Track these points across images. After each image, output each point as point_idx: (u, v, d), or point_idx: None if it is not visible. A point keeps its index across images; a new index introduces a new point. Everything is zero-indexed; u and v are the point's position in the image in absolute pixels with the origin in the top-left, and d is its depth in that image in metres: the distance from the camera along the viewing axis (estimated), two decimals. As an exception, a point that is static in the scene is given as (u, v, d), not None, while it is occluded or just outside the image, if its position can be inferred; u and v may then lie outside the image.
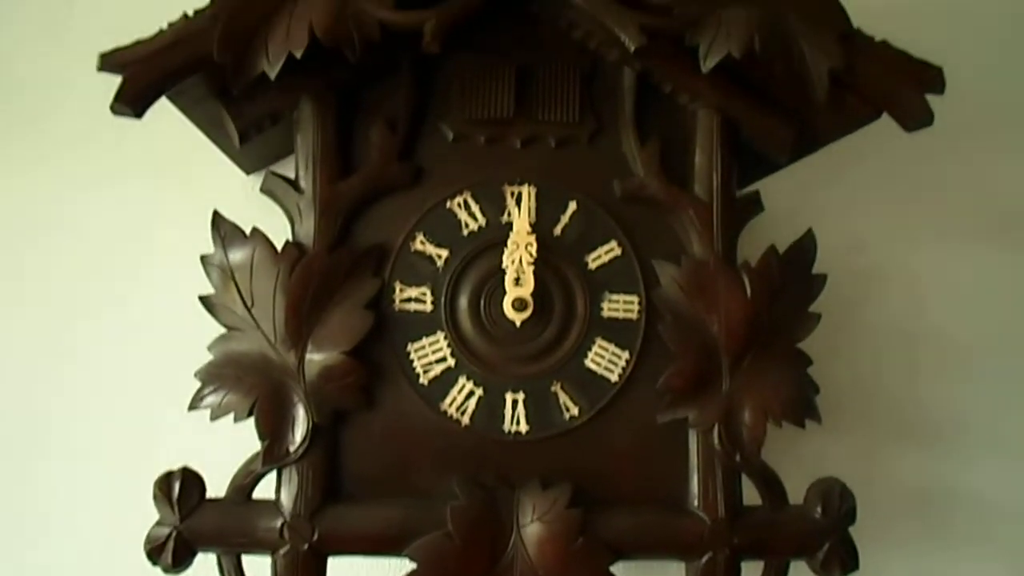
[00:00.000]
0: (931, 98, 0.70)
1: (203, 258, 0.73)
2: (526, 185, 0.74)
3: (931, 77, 0.70)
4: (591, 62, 0.76)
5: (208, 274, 0.73)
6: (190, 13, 0.67)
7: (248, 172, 0.92)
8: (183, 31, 0.66)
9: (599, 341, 0.74)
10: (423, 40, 0.66)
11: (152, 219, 0.94)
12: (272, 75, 0.66)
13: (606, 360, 0.74)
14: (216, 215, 0.73)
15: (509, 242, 0.72)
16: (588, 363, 0.74)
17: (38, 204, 0.94)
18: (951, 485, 0.97)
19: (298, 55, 0.65)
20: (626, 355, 0.74)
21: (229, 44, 0.65)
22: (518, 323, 0.72)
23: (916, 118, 0.70)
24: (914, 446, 0.97)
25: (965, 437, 0.98)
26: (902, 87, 0.70)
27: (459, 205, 0.74)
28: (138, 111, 0.66)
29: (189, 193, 0.93)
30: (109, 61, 0.66)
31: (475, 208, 0.74)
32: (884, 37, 0.71)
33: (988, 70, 1.02)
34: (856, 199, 1.00)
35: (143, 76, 0.65)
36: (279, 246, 0.72)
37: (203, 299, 0.73)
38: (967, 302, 1.00)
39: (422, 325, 0.73)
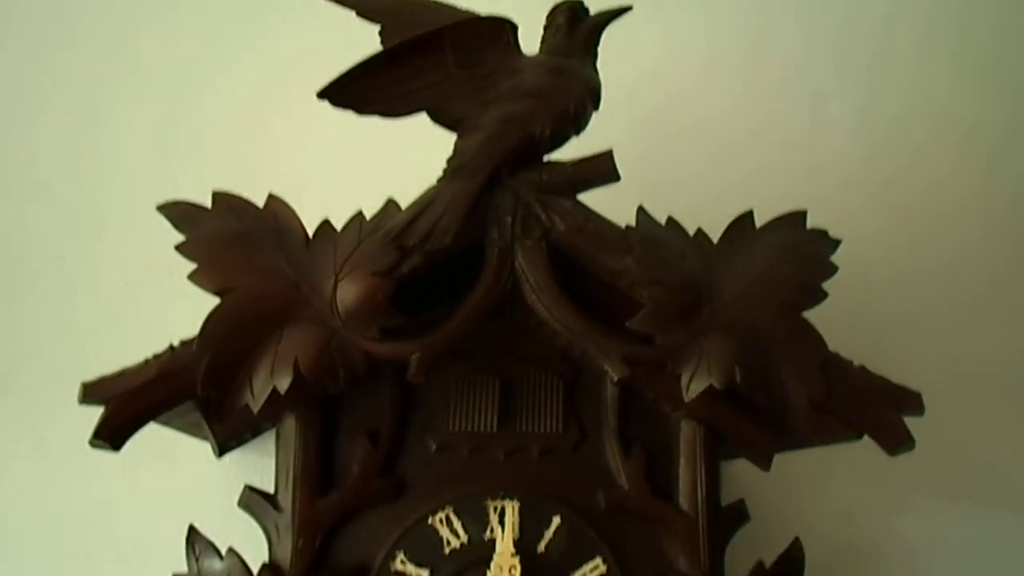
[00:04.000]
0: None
1: None
2: (509, 499, 0.73)
3: (910, 402, 0.71)
4: (574, 370, 0.76)
5: None
6: (176, 344, 0.67)
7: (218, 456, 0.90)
8: (168, 364, 0.66)
9: None
10: (408, 372, 0.67)
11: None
12: (255, 409, 0.66)
13: None
14: (191, 531, 0.72)
15: (492, 564, 0.70)
16: None
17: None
18: None
19: (282, 391, 0.65)
20: None
21: (214, 380, 0.65)
22: None
23: (897, 442, 0.70)
24: None
25: None
26: (882, 412, 0.70)
27: (441, 521, 0.72)
28: (116, 445, 0.65)
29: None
30: (92, 392, 0.66)
31: (457, 525, 0.72)
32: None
33: (968, 328, 1.04)
34: (835, 465, 0.97)
35: (126, 411, 0.65)
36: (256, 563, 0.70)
37: None
38: (966, 566, 0.97)
39: None
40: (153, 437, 0.73)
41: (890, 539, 0.96)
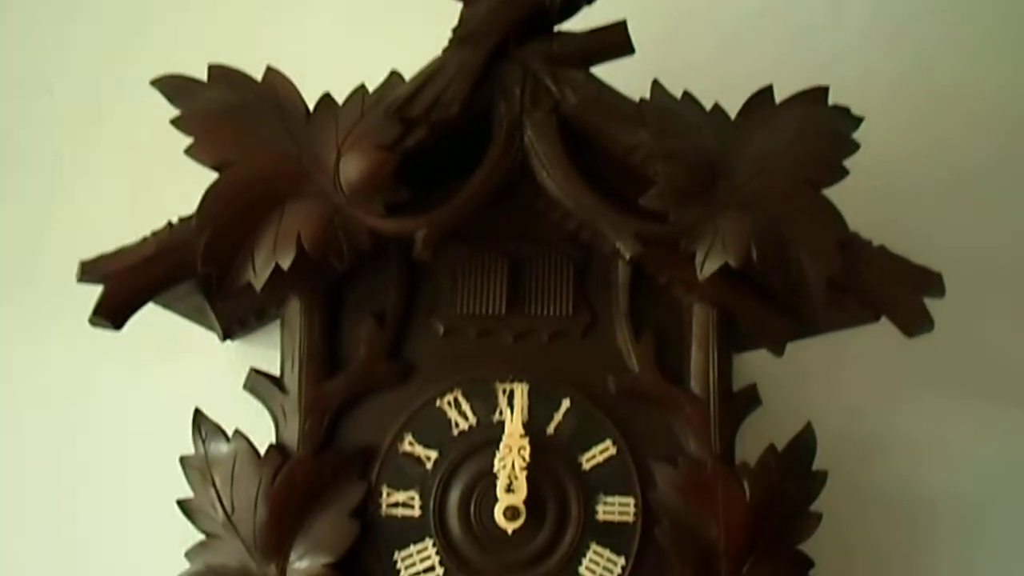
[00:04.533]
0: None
1: (183, 460, 0.71)
2: (518, 382, 0.72)
3: (930, 283, 0.69)
4: (584, 253, 0.75)
5: (187, 476, 0.71)
6: (174, 220, 0.65)
7: (222, 339, 0.89)
8: (167, 241, 0.64)
9: (594, 546, 0.71)
10: (414, 249, 0.65)
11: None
12: (258, 287, 0.64)
13: (601, 567, 0.71)
14: (198, 413, 0.71)
15: (501, 445, 0.70)
16: (583, 570, 0.70)
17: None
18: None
19: (285, 267, 0.63)
20: (621, 561, 0.71)
21: (214, 256, 0.63)
22: (510, 532, 0.69)
23: (916, 324, 0.69)
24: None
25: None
26: (901, 293, 0.68)
27: (449, 404, 0.72)
28: (118, 324, 0.64)
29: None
30: (90, 270, 0.64)
31: (466, 407, 0.72)
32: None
33: (981, 226, 1.01)
34: (846, 361, 0.96)
35: (125, 288, 0.64)
36: (263, 445, 0.69)
37: (181, 503, 0.70)
38: (970, 463, 0.96)
39: (410, 531, 0.70)
40: (159, 324, 0.73)
41: (896, 435, 0.96)
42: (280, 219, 0.64)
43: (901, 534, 0.94)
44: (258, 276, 0.64)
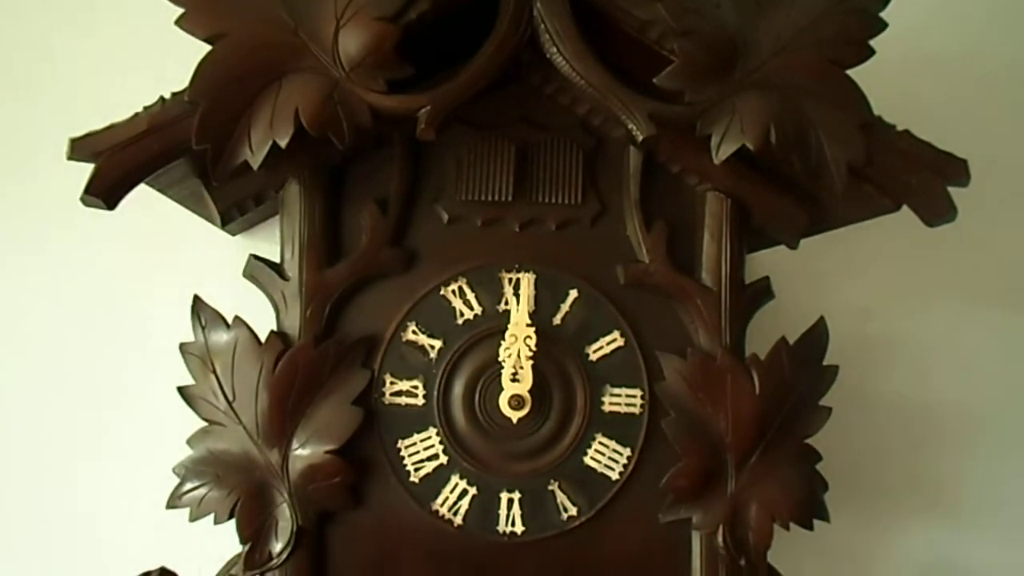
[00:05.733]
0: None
1: (182, 346, 0.70)
2: (525, 272, 0.70)
3: (955, 170, 0.66)
4: (594, 140, 0.72)
5: (187, 364, 0.69)
6: (167, 96, 0.62)
7: (234, 234, 0.87)
8: (159, 117, 0.62)
9: (599, 437, 0.70)
10: (417, 127, 0.62)
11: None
12: (255, 165, 0.61)
13: (606, 457, 0.70)
14: (197, 300, 0.70)
15: (507, 335, 0.69)
16: (588, 460, 0.70)
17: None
18: (960, 559, 0.94)
19: (283, 144, 0.61)
20: (627, 452, 0.70)
21: (208, 132, 0.61)
22: (515, 421, 0.68)
23: (939, 214, 0.66)
24: (922, 520, 0.94)
25: (975, 510, 0.94)
26: (924, 180, 0.66)
27: (454, 292, 0.70)
28: (111, 203, 0.62)
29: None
30: (80, 148, 0.61)
31: (471, 296, 0.70)
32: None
33: (997, 129, 0.98)
34: (859, 263, 0.96)
35: (117, 166, 0.61)
36: (264, 333, 0.68)
37: (182, 390, 0.69)
38: (976, 369, 0.96)
39: (413, 420, 0.70)
40: (157, 206, 0.71)
41: (906, 338, 0.95)
42: (277, 94, 0.61)
43: (905, 435, 0.94)
44: (255, 154, 0.61)
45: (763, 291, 0.73)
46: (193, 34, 0.61)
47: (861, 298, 0.95)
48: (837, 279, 0.95)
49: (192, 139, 0.60)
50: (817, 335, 0.73)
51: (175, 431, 0.69)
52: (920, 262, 0.96)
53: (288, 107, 0.61)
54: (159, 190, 0.69)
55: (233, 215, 0.71)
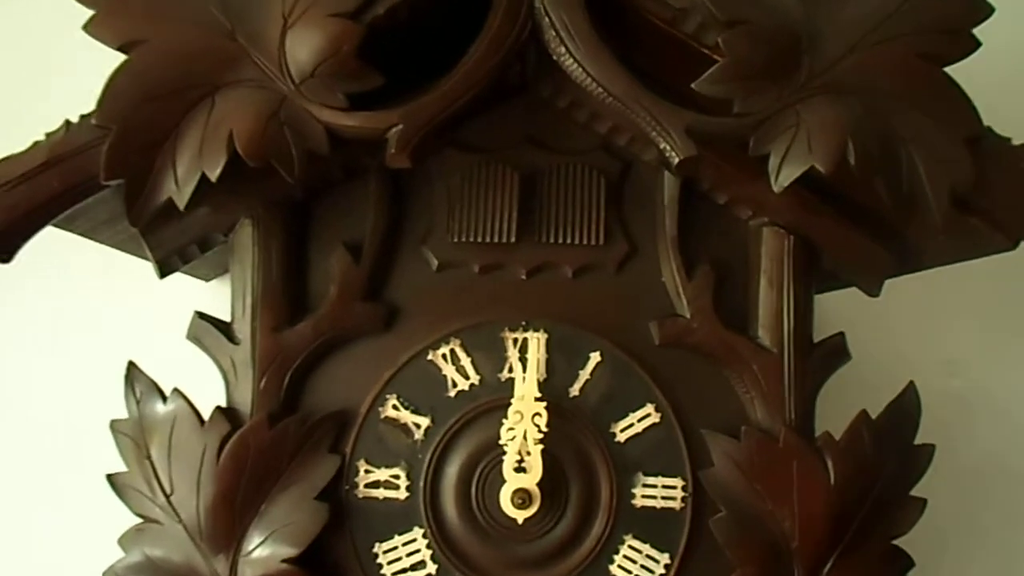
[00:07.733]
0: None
1: (113, 424, 0.60)
2: (533, 330, 0.61)
3: (1094, 195, 0.52)
4: (620, 164, 0.62)
5: (118, 446, 0.59)
6: (73, 120, 0.51)
7: (208, 279, 0.76)
8: (62, 146, 0.52)
9: (630, 540, 0.61)
10: (387, 153, 0.51)
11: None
12: (181, 204, 0.51)
13: (638, 565, 0.61)
14: (131, 368, 0.60)
15: (511, 411, 0.59)
16: (615, 570, 0.61)
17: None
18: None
19: (212, 177, 0.51)
20: (665, 559, 0.61)
21: (121, 164, 0.51)
22: (520, 521, 0.58)
23: (1069, 251, 0.53)
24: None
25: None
26: (1049, 209, 0.53)
27: (445, 357, 0.61)
28: (5, 255, 0.52)
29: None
30: (-34, 185, 0.51)
31: (466, 361, 0.61)
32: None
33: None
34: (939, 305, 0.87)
35: (8, 210, 0.52)
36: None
37: (111, 478, 0.59)
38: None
39: (394, 518, 0.61)
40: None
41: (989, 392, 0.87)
42: (208, 114, 0.52)
43: (999, 511, 0.85)
44: (181, 189, 0.52)
45: (838, 351, 0.62)
46: (104, 42, 0.51)
47: (943, 349, 0.86)
48: (915, 325, 0.86)
49: (101, 172, 0.50)
50: (906, 406, 0.62)
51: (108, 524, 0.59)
52: (1008, 304, 0.89)
53: (221, 130, 0.51)
54: (82, 235, 0.59)
55: (174, 264, 0.60)
